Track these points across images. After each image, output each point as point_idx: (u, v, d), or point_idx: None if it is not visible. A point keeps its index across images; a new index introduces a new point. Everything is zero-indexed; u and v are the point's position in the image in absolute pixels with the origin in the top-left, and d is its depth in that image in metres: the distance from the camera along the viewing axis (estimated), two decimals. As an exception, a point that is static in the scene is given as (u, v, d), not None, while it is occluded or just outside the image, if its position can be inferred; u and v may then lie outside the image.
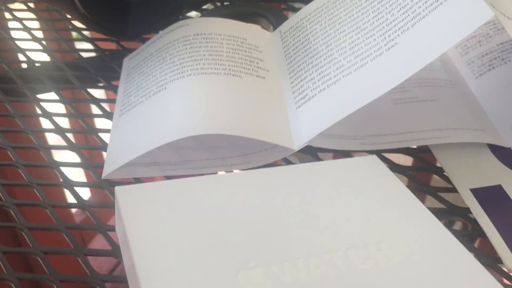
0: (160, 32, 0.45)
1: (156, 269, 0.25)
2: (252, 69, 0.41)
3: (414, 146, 0.38)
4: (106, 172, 0.36)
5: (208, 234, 0.27)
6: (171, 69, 0.40)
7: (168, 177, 0.36)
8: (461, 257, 0.27)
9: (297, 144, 0.35)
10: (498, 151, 0.37)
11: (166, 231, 0.27)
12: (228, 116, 0.36)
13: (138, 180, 0.36)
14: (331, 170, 0.33)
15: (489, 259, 0.31)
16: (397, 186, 0.32)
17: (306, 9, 0.43)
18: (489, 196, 0.34)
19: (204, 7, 0.56)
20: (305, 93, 0.37)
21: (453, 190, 0.35)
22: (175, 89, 0.38)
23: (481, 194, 0.34)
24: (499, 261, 0.31)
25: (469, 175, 0.36)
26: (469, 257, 0.28)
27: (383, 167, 0.33)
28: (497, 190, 0.35)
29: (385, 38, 0.35)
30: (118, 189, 0.29)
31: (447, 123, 0.38)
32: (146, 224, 0.27)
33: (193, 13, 0.56)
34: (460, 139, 0.37)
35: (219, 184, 0.31)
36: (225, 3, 0.56)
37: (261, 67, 0.41)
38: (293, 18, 0.44)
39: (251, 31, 0.44)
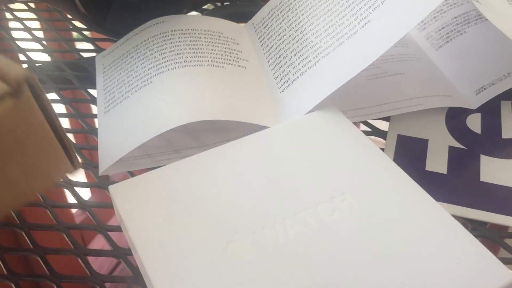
0: (134, 30, 0.45)
1: (157, 257, 0.27)
2: (233, 60, 0.42)
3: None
4: (102, 169, 0.36)
5: (197, 212, 0.29)
6: (153, 64, 0.41)
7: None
8: (419, 198, 0.29)
9: None
10: (453, 128, 0.40)
11: (161, 218, 0.29)
12: (218, 103, 0.37)
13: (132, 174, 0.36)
14: (293, 130, 0.34)
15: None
16: (356, 134, 0.34)
17: (275, 0, 0.45)
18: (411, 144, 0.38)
19: (204, 7, 0.57)
20: (287, 77, 0.39)
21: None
22: (162, 82, 0.39)
23: (404, 141, 0.38)
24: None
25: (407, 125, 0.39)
26: (428, 198, 0.29)
27: (341, 116, 0.35)
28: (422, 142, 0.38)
29: (357, 17, 0.37)
30: (111, 188, 0.31)
31: (418, 92, 0.40)
32: (141, 215, 0.29)
33: (193, 13, 0.56)
34: (432, 105, 0.39)
35: (197, 163, 0.32)
36: (225, 3, 0.56)
37: (240, 57, 0.42)
38: (264, 10, 0.45)
39: (224, 25, 0.46)
